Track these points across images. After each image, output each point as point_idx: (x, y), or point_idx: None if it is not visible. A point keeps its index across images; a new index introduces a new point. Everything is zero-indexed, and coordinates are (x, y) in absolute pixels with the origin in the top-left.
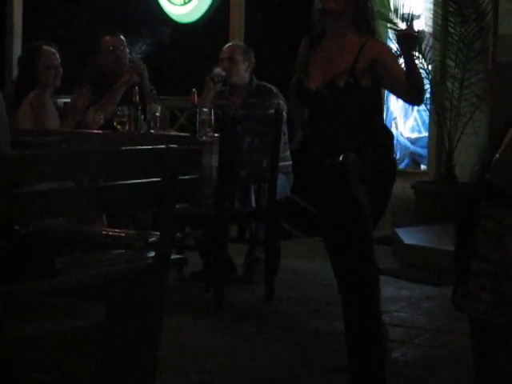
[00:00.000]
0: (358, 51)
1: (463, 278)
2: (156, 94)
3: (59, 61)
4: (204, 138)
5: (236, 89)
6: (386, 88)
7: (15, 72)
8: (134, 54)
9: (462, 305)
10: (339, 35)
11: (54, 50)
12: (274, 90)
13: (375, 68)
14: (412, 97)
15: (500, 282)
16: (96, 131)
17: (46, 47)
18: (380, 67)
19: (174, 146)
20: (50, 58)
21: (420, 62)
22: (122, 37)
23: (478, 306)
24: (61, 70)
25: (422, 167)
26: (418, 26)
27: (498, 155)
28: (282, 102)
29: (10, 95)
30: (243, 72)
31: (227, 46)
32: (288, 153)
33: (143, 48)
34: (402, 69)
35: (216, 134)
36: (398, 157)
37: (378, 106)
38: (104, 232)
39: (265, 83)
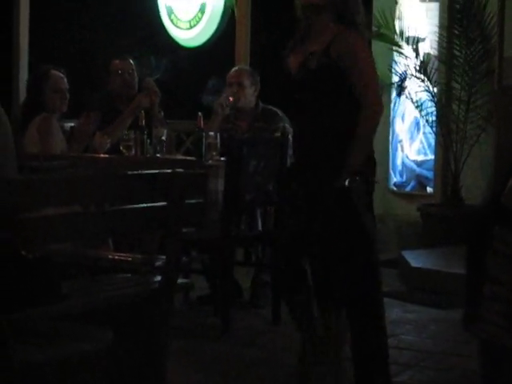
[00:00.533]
0: (331, 39)
1: (475, 301)
2: (163, 117)
3: (67, 85)
4: (210, 161)
5: (242, 113)
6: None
7: (22, 94)
8: (147, 78)
9: (473, 328)
10: (321, 28)
11: (61, 75)
12: (280, 113)
13: (346, 60)
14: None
15: None
16: (102, 155)
17: (53, 71)
18: (348, 63)
19: (180, 170)
20: (57, 82)
21: (426, 84)
22: (131, 60)
23: (490, 329)
24: (68, 95)
25: (428, 190)
26: (423, 48)
27: None
28: (287, 126)
29: (16, 118)
30: (250, 96)
31: (234, 70)
32: None
33: (157, 71)
34: (370, 74)
35: (222, 158)
36: (404, 179)
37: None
38: (110, 256)
39: (270, 107)
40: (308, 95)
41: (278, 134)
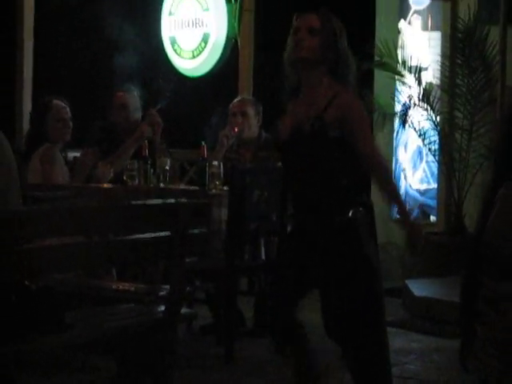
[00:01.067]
0: (328, 102)
1: (470, 340)
2: (166, 147)
3: (69, 115)
4: (213, 191)
5: (245, 142)
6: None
7: (25, 126)
8: (150, 109)
9: (470, 366)
10: (314, 84)
11: (63, 104)
12: None
13: (343, 123)
14: (371, 175)
15: (506, 348)
16: (106, 185)
17: (55, 101)
18: (346, 125)
19: (184, 200)
20: (59, 112)
21: (428, 113)
22: (135, 93)
23: (485, 369)
24: (70, 124)
25: (432, 218)
26: (426, 77)
27: (488, 225)
28: None
29: (20, 149)
30: (254, 126)
31: (237, 100)
32: None
33: (161, 101)
34: (366, 137)
35: (225, 187)
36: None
37: (356, 167)
38: (114, 286)
39: None
40: (301, 158)
41: (280, 164)
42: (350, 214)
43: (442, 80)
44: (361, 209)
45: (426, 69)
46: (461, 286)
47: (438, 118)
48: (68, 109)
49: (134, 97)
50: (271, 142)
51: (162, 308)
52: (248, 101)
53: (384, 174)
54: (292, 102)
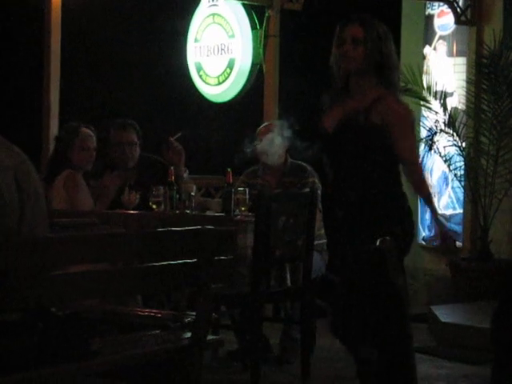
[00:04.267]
0: (372, 103)
1: (501, 369)
2: (188, 175)
3: (94, 144)
4: (239, 217)
5: (271, 168)
6: None
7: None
8: (170, 139)
9: None
10: (361, 90)
11: (91, 133)
12: (309, 168)
13: (385, 128)
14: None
15: None
16: (132, 211)
17: (84, 129)
18: (388, 129)
19: (210, 226)
20: (85, 140)
21: (454, 139)
22: (134, 129)
23: None
24: (94, 154)
25: (458, 244)
26: (451, 103)
27: None
28: (316, 181)
29: (42, 172)
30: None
31: (264, 125)
32: (323, 231)
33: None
34: (407, 142)
35: (251, 214)
36: (433, 234)
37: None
38: (139, 312)
39: (299, 162)
40: (348, 151)
41: (307, 190)
42: (378, 243)
43: (467, 105)
44: (388, 237)
45: (451, 94)
46: (493, 314)
47: (464, 144)
48: (94, 138)
49: (131, 135)
50: (296, 166)
51: (188, 334)
52: (273, 127)
53: (419, 179)
54: (337, 103)
